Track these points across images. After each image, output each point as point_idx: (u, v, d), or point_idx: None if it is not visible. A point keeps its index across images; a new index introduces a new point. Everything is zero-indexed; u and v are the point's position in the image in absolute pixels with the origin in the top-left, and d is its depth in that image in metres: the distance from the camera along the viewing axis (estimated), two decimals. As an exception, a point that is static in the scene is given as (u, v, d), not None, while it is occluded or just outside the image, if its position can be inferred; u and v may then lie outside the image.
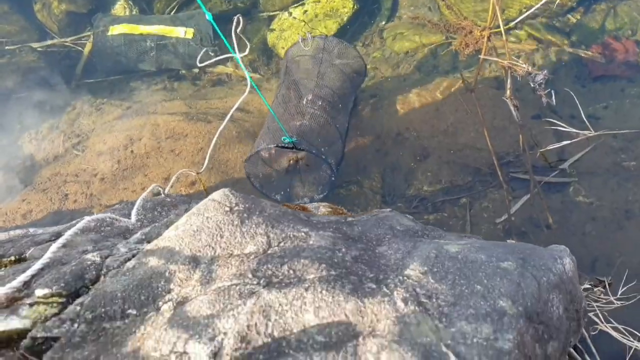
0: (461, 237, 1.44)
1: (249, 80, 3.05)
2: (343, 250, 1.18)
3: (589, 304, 2.36)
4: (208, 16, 1.64)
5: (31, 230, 2.44)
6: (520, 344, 0.92)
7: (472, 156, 3.26)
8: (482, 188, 3.16)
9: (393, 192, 3.24)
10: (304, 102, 2.90)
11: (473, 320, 0.93)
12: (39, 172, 3.61)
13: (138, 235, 1.48)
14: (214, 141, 2.90)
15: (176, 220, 1.45)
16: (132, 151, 3.53)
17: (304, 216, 1.44)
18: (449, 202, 3.15)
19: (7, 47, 4.58)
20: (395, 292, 1.01)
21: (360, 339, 0.91)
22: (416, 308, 0.97)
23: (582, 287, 2.45)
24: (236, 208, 1.34)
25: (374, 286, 1.05)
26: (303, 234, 1.25)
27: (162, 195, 2.43)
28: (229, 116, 2.94)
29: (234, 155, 3.47)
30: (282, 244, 1.22)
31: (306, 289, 1.03)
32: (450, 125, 3.39)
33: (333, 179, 2.85)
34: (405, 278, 1.06)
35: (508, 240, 2.84)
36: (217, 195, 1.44)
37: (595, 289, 2.42)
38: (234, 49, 3.24)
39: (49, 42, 4.65)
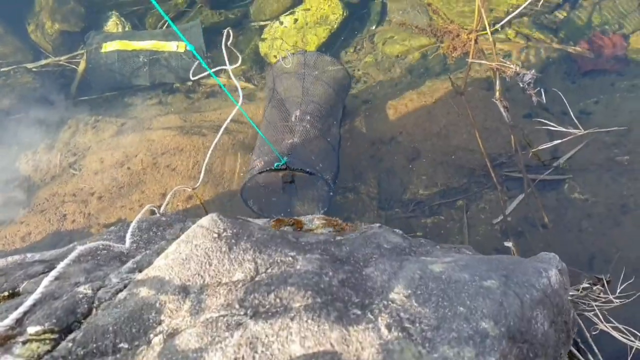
0: (450, 250, 1.44)
1: (240, 97, 3.07)
2: (330, 274, 1.18)
3: (588, 304, 2.35)
4: (190, 47, 1.64)
5: (29, 255, 2.45)
6: (505, 365, 0.92)
7: (465, 158, 3.26)
8: (477, 189, 3.16)
9: (390, 197, 3.24)
10: (293, 120, 2.89)
11: (455, 344, 0.93)
12: (37, 193, 3.63)
13: (129, 264, 1.48)
14: (207, 156, 2.90)
15: (167, 246, 1.45)
16: (128, 168, 3.54)
17: (292, 238, 1.44)
18: (446, 205, 3.15)
19: (1, 69, 4.60)
20: (379, 318, 1.02)
21: (345, 368, 0.92)
22: (399, 334, 0.97)
23: (581, 286, 2.45)
24: (224, 234, 1.34)
25: (359, 312, 1.05)
26: (290, 258, 1.25)
27: (157, 214, 2.44)
28: (221, 131, 2.94)
29: (230, 168, 3.48)
30: (269, 270, 1.22)
31: (292, 319, 1.03)
32: (443, 128, 3.39)
33: (331, 194, 2.84)
34: (389, 302, 1.06)
35: (505, 243, 2.84)
36: (205, 221, 1.44)
37: (594, 288, 2.41)
38: (225, 61, 3.25)
39: (43, 61, 4.67)
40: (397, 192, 3.25)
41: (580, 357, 2.28)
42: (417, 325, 0.99)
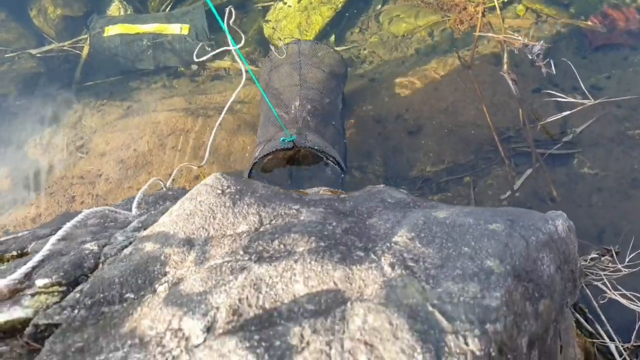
0: (452, 206, 1.44)
1: (244, 71, 3.07)
2: (334, 224, 1.20)
3: (596, 273, 2.36)
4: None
5: (38, 230, 2.50)
6: (509, 301, 0.93)
7: (473, 134, 3.26)
8: (485, 165, 3.15)
9: (396, 175, 3.25)
10: (293, 110, 2.85)
11: (460, 280, 0.94)
12: (46, 176, 3.68)
13: (135, 223, 1.51)
14: (212, 134, 2.93)
15: (171, 206, 1.47)
16: (134, 150, 3.57)
17: (296, 195, 1.46)
18: (453, 182, 3.15)
19: (6, 55, 4.64)
20: (382, 258, 1.03)
21: (349, 304, 0.93)
22: (403, 272, 0.98)
23: (589, 256, 2.45)
24: (228, 190, 1.36)
25: (362, 254, 1.06)
26: (294, 210, 1.27)
27: (164, 189, 2.46)
28: (226, 108, 2.96)
29: (236, 147, 3.50)
30: (273, 222, 1.24)
31: (295, 261, 1.05)
32: (450, 104, 3.39)
33: (343, 175, 2.80)
34: (392, 244, 1.08)
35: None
36: (209, 179, 1.46)
37: (603, 258, 2.41)
38: (228, 41, 3.26)
39: (47, 47, 4.71)
40: (403, 170, 3.25)
41: (588, 326, 2.28)
42: (421, 264, 1.00)
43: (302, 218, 1.22)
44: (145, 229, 1.40)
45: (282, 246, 1.11)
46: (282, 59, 3.13)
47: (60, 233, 1.41)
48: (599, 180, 3.00)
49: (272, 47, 3.13)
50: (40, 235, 1.58)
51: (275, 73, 3.14)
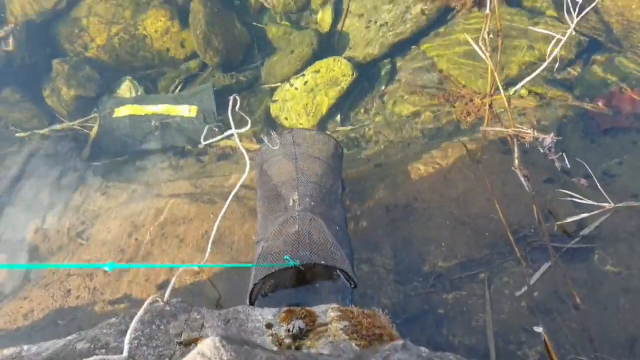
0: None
1: (247, 162, 2.84)
2: None
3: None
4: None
5: (25, 348, 2.18)
6: None
7: (486, 227, 2.96)
8: (500, 261, 2.84)
9: (407, 269, 2.93)
10: (291, 204, 2.57)
11: None
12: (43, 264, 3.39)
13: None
14: (214, 230, 2.66)
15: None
16: (136, 239, 3.29)
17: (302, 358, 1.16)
18: (467, 278, 2.83)
19: (17, 135, 4.47)
20: None
21: None
22: None
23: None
24: (224, 375, 1.07)
25: None
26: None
27: (161, 303, 2.17)
28: (228, 201, 2.71)
29: (240, 237, 3.21)
30: None
31: None
32: (461, 194, 3.11)
33: (353, 287, 2.47)
34: None
35: (535, 328, 2.48)
36: (206, 348, 1.17)
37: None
38: (233, 127, 3.04)
39: (58, 126, 4.54)
40: (415, 264, 2.94)
41: None
42: None
43: None
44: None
45: None
46: (276, 150, 2.89)
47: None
48: (623, 280, 2.67)
49: (265, 139, 2.90)
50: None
51: (271, 165, 2.87)
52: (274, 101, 4.33)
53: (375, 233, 3.10)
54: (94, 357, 1.49)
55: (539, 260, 2.79)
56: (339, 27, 4.58)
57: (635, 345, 2.43)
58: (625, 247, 2.76)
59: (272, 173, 2.83)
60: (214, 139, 3.05)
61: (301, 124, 4.13)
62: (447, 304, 2.74)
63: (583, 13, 2.73)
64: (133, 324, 1.79)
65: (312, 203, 2.57)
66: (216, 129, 4.15)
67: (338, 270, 2.38)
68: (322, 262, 2.19)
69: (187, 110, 4.18)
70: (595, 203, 2.52)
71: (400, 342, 1.35)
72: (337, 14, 4.64)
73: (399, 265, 2.94)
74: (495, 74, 2.78)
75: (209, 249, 2.63)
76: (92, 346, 2.04)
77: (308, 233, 2.38)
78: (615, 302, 2.59)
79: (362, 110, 4.23)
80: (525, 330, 2.57)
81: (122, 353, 1.75)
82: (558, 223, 2.68)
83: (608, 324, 2.50)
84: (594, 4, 3.11)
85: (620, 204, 2.50)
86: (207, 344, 1.19)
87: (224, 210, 2.70)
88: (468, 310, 2.71)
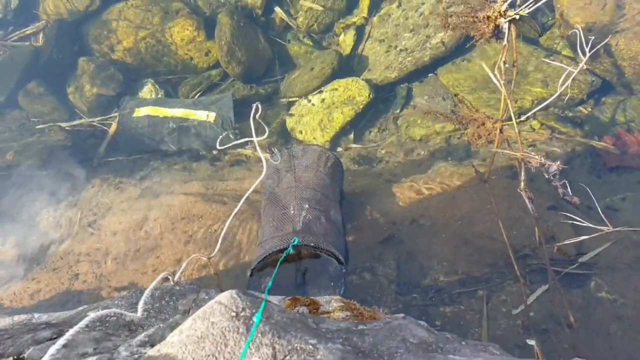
0: (477, 348, 1.34)
1: (264, 165, 3.09)
2: (353, 367, 1.10)
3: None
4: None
5: (36, 315, 2.38)
6: None
7: (488, 246, 3.17)
8: (499, 280, 3.04)
9: (408, 281, 3.13)
10: (291, 211, 2.87)
11: None
12: (53, 250, 3.61)
13: (141, 337, 1.41)
14: (226, 226, 2.88)
15: (182, 320, 1.39)
16: (146, 231, 3.52)
17: (312, 323, 1.37)
18: (466, 294, 3.03)
19: (37, 127, 4.76)
20: None
21: None
22: None
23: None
24: (242, 314, 1.28)
25: (385, 417, 0.96)
26: (311, 346, 1.18)
27: (171, 283, 2.38)
28: (242, 200, 2.94)
29: (248, 238, 3.44)
30: (287, 358, 1.14)
31: (312, 418, 0.95)
32: (466, 214, 3.34)
33: (344, 271, 2.75)
34: (418, 408, 0.98)
35: (527, 340, 2.66)
36: (224, 297, 1.39)
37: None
38: (252, 133, 3.31)
39: (78, 121, 4.84)
40: (416, 277, 3.14)
41: None
42: None
43: (319, 357, 1.13)
44: (151, 345, 1.30)
45: (297, 394, 1.02)
46: (277, 164, 3.23)
47: (60, 342, 1.32)
48: (618, 308, 2.86)
49: (267, 156, 3.22)
50: (39, 339, 1.48)
51: (274, 178, 3.22)
52: (291, 115, 4.62)
53: (379, 244, 3.31)
54: (111, 309, 1.68)
55: (537, 282, 2.99)
56: (359, 50, 4.91)
57: (624, 369, 2.60)
58: (622, 277, 2.96)
59: (275, 183, 3.14)
60: (231, 143, 3.31)
61: (315, 139, 4.40)
62: (445, 317, 2.93)
63: (595, 49, 3.01)
64: (147, 292, 2.00)
65: (311, 208, 2.87)
66: (232, 137, 4.41)
67: (332, 258, 2.64)
68: (312, 245, 2.45)
69: (205, 116, 4.47)
70: (595, 226, 2.73)
71: (401, 315, 1.55)
72: (359, 38, 4.97)
73: (400, 276, 3.14)
74: (509, 101, 3.05)
75: (219, 243, 2.84)
76: (104, 314, 2.25)
77: (307, 229, 2.68)
78: (607, 328, 2.77)
79: (375, 130, 4.50)
80: (518, 346, 2.75)
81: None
82: (558, 245, 2.88)
83: (599, 348, 2.67)
84: (605, 41, 3.40)
85: (619, 228, 2.71)
86: (225, 295, 1.41)
87: (237, 207, 2.93)
88: (465, 324, 2.90)
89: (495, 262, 3.09)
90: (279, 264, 2.47)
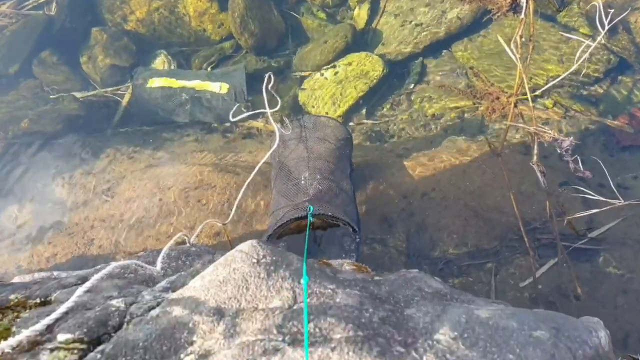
0: (490, 302, 1.39)
1: (277, 133, 3.13)
2: (370, 310, 1.15)
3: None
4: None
5: (55, 273, 2.47)
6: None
7: (498, 220, 3.21)
8: (508, 253, 3.09)
9: (418, 252, 3.19)
10: (303, 182, 2.90)
11: (506, 393, 0.89)
12: (68, 216, 3.69)
13: (164, 283, 1.48)
14: (241, 192, 2.94)
15: (202, 269, 1.45)
16: (160, 199, 3.59)
17: (330, 272, 1.42)
18: (475, 267, 3.08)
19: (51, 96, 4.81)
20: (425, 357, 0.98)
21: (388, 405, 0.87)
22: (446, 376, 0.93)
23: (616, 364, 2.32)
24: (263, 260, 1.34)
25: (402, 350, 1.01)
26: (330, 290, 1.23)
27: (187, 244, 2.44)
28: (256, 169, 2.99)
29: (261, 207, 3.50)
30: (308, 300, 1.20)
31: (332, 349, 1.00)
32: (477, 188, 3.38)
33: (358, 240, 2.81)
34: (434, 342, 1.03)
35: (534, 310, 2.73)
36: (244, 246, 1.44)
37: (630, 367, 2.29)
38: (265, 103, 3.35)
39: (91, 92, 4.88)
40: (426, 248, 3.20)
41: None
42: (464, 368, 0.95)
43: (337, 300, 1.19)
44: (174, 291, 1.36)
45: (317, 330, 1.07)
46: (288, 134, 3.25)
47: (87, 285, 1.39)
48: (625, 282, 2.90)
49: (278, 125, 3.23)
50: (65, 284, 1.55)
51: (284, 149, 3.24)
52: (303, 89, 4.64)
53: (390, 216, 3.36)
54: (131, 261, 1.74)
55: (546, 257, 3.04)
56: (374, 24, 4.89)
57: (628, 339, 2.65)
58: (631, 252, 3.00)
59: (287, 155, 3.17)
60: (244, 114, 3.34)
61: (327, 113, 4.42)
62: (453, 287, 2.98)
63: (614, 21, 3.00)
64: (165, 249, 2.07)
65: (322, 178, 2.91)
66: (244, 109, 4.44)
67: (347, 227, 2.69)
68: (329, 214, 2.50)
69: (218, 88, 4.50)
70: (605, 199, 2.76)
71: (415, 269, 1.60)
72: (373, 12, 4.95)
73: (410, 248, 3.20)
74: (524, 75, 3.05)
75: (234, 209, 2.90)
76: (122, 271, 2.33)
77: (320, 198, 2.72)
78: (614, 301, 2.81)
79: (388, 106, 4.51)
80: (526, 317, 2.81)
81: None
82: (568, 218, 2.92)
83: (605, 320, 2.72)
84: (625, 14, 3.38)
85: (630, 201, 2.73)
86: (245, 244, 1.46)
87: (251, 176, 2.98)
88: (473, 295, 2.95)
89: (505, 236, 3.14)
90: (307, 230, 2.53)
